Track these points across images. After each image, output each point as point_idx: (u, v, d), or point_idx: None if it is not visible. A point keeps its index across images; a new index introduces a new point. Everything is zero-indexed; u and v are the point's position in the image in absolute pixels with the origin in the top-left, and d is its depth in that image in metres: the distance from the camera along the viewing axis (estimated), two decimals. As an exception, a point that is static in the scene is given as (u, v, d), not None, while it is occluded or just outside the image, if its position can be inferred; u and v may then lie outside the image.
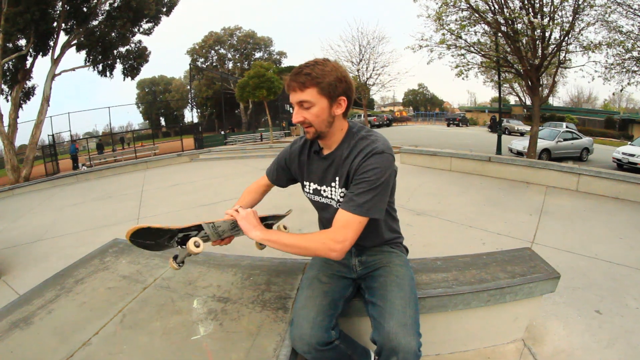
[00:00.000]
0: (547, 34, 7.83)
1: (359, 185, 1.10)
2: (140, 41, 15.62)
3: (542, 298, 1.63)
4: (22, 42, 11.80)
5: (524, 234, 3.17)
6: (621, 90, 9.20)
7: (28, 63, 12.34)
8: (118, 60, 15.15)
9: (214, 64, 36.09)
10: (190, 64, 28.70)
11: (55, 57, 12.57)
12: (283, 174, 1.40)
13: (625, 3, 8.22)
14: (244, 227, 1.18)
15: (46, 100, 12.44)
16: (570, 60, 8.61)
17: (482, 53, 9.18)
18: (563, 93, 44.66)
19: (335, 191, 1.23)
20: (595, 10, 7.91)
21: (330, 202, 1.26)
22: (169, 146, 18.67)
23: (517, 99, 25.55)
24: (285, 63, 35.63)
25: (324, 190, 1.26)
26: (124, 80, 17.10)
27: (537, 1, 7.86)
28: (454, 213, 3.84)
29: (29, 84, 12.97)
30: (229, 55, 36.70)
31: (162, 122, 44.55)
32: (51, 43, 12.52)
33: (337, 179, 1.21)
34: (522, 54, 8.20)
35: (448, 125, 31.78)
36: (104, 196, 6.37)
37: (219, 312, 1.35)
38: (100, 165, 13.91)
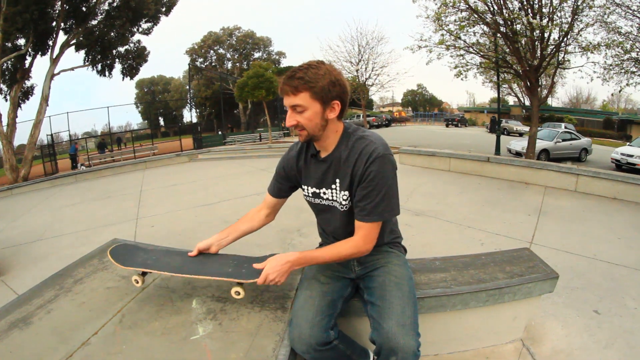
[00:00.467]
0: (546, 35, 7.84)
1: (369, 194, 1.13)
2: (139, 41, 15.63)
3: (540, 298, 1.64)
4: (21, 41, 11.76)
5: (522, 234, 3.18)
6: (620, 91, 9.20)
7: (27, 62, 12.31)
8: (117, 60, 15.11)
9: (213, 64, 36.03)
10: (189, 64, 28.67)
11: (54, 56, 12.53)
12: (284, 183, 1.38)
13: (624, 4, 8.24)
14: (280, 273, 1.17)
15: (45, 99, 12.40)
16: (569, 61, 8.61)
17: (481, 54, 9.18)
18: (562, 94, 44.74)
19: (337, 194, 1.23)
20: (594, 11, 7.92)
21: (333, 204, 1.26)
22: (168, 146, 18.58)
23: (516, 100, 25.52)
24: (285, 63, 35.68)
25: (324, 193, 1.26)
26: (123, 80, 16.98)
27: (536, 2, 7.87)
28: (453, 213, 3.85)
29: (28, 83, 12.94)
30: (228, 55, 36.67)
31: (161, 122, 44.46)
32: (50, 42, 12.49)
33: (337, 180, 1.21)
34: (521, 55, 8.20)
35: (447, 125, 31.75)
36: (103, 196, 6.36)
37: (218, 312, 1.35)
38: (99, 165, 13.88)
